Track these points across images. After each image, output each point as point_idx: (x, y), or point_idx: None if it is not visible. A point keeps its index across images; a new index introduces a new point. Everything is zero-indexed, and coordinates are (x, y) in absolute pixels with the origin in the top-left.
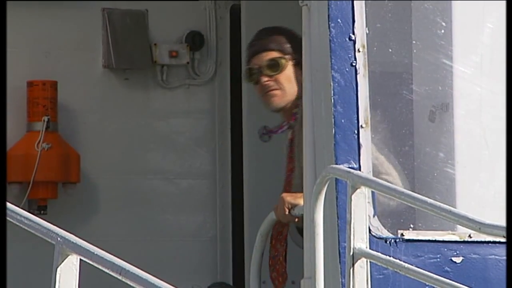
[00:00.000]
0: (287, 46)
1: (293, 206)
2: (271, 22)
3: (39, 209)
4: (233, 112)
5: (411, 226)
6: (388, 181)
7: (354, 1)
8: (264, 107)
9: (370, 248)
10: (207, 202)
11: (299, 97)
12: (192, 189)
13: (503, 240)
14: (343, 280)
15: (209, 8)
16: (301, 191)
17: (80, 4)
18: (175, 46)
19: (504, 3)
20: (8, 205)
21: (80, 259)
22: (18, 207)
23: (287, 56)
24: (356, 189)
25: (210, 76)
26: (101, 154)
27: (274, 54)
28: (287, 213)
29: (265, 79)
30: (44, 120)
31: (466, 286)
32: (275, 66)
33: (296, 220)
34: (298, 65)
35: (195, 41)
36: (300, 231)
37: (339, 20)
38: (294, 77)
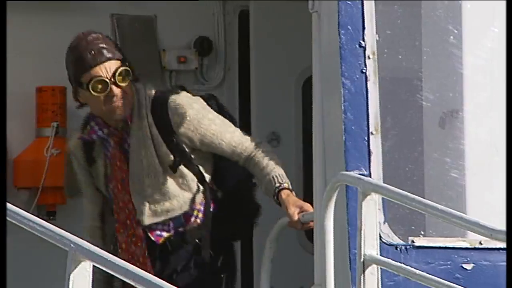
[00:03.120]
0: (122, 55)
1: (304, 212)
2: (280, 27)
3: (48, 215)
4: (241, 117)
5: (422, 232)
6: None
7: (364, 8)
8: (106, 117)
9: (380, 255)
10: None
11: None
12: None
13: None
14: (353, 287)
15: (218, 13)
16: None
17: (89, 10)
18: (184, 51)
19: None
20: (21, 211)
21: (93, 265)
22: (28, 212)
23: (128, 66)
24: (367, 195)
25: (218, 81)
26: None
27: (119, 64)
28: (296, 219)
29: (115, 90)
30: (53, 126)
31: None
32: (126, 75)
33: (309, 224)
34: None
35: (203, 46)
36: (310, 237)
37: (349, 27)
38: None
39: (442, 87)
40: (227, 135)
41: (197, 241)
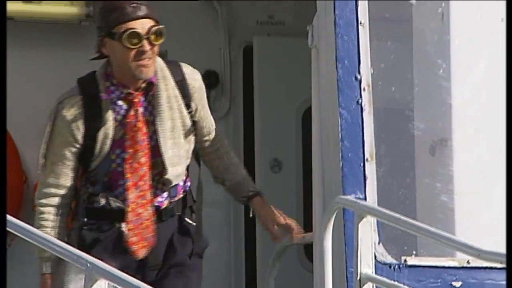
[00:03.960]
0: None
1: (306, 234)
2: (281, 61)
3: (66, 235)
4: (245, 145)
5: (414, 252)
6: None
7: (360, 44)
8: (129, 74)
9: (375, 273)
10: (222, 230)
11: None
12: (208, 217)
13: (500, 266)
14: None
15: (224, 49)
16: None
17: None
18: None
19: (498, 39)
20: (41, 233)
21: (108, 283)
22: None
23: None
24: (363, 218)
25: (225, 112)
26: None
27: (155, 23)
28: (279, 239)
29: (148, 47)
30: None
31: None
32: (161, 35)
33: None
34: None
35: (211, 79)
36: (310, 256)
37: (346, 61)
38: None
39: (432, 117)
40: (210, 117)
41: (178, 214)
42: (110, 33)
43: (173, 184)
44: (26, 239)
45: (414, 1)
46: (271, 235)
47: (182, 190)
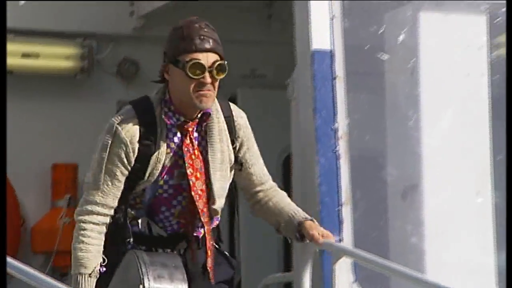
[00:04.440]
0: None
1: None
2: (263, 111)
3: (61, 275)
4: (229, 189)
5: None
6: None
7: (336, 96)
8: (188, 103)
9: None
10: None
11: None
12: None
13: None
14: None
15: None
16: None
17: (98, 97)
18: None
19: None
20: (38, 274)
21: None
22: (44, 273)
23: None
24: (339, 258)
25: None
26: None
27: (219, 58)
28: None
29: (209, 79)
30: (66, 198)
31: None
32: (223, 71)
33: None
34: None
35: None
36: None
37: (323, 112)
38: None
39: (403, 164)
40: (260, 160)
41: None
42: (174, 61)
43: (218, 215)
44: (25, 280)
45: (385, 57)
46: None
47: (217, 221)
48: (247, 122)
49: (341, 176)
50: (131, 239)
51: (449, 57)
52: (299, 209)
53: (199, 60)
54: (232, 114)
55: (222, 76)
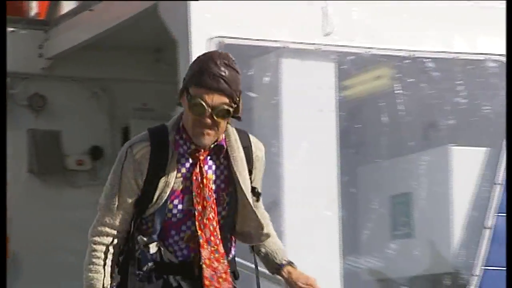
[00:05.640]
0: (237, 93)
1: None
2: None
3: None
4: None
5: None
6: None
7: None
8: (190, 135)
9: None
10: None
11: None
12: None
13: None
14: None
15: (107, 129)
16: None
17: (11, 125)
18: (81, 156)
19: None
20: None
21: None
22: None
23: (234, 106)
24: None
25: None
26: None
27: (226, 100)
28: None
29: (209, 121)
30: None
31: None
32: (223, 116)
33: None
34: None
35: (97, 153)
36: None
37: None
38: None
39: (267, 184)
40: (260, 194)
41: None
42: (186, 89)
43: (231, 244)
44: None
45: (254, 95)
46: None
47: (233, 253)
48: (264, 158)
49: None
50: (144, 268)
51: (305, 96)
52: (281, 246)
53: (202, 100)
54: (250, 145)
55: (222, 120)
